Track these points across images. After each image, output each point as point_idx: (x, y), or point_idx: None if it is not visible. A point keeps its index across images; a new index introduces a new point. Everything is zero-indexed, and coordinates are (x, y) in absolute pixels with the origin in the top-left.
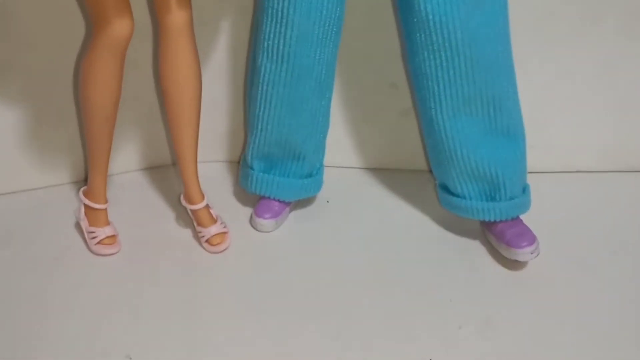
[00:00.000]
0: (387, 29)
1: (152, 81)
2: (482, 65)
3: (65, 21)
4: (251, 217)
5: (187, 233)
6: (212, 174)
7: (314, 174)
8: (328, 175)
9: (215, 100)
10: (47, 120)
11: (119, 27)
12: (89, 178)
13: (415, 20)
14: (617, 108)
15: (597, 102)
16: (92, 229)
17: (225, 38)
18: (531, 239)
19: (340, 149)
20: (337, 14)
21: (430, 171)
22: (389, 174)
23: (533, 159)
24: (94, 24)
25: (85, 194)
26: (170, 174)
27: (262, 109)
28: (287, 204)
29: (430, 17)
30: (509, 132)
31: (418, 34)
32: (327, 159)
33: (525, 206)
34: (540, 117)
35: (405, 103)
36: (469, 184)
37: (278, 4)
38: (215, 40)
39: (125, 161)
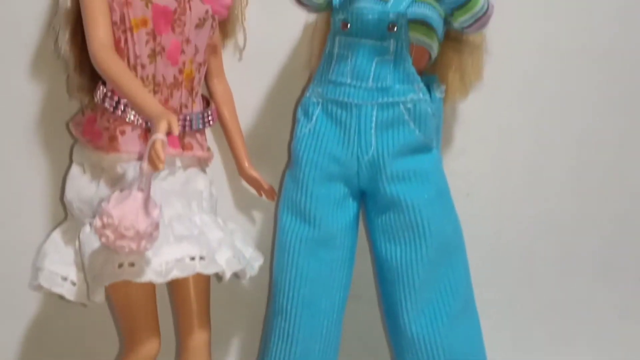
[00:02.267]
0: None
1: None
2: None
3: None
4: None
5: None
6: None
7: None
8: None
9: None
10: None
11: (147, 346)
12: None
13: (403, 341)
14: None
15: None
16: None
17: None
18: None
19: None
20: (336, 335)
21: None
22: None
23: None
24: (125, 340)
25: None
26: None
27: None
28: None
29: (416, 337)
30: None
31: (407, 354)
32: None
33: None
34: None
35: None
36: None
37: (285, 324)
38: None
39: None
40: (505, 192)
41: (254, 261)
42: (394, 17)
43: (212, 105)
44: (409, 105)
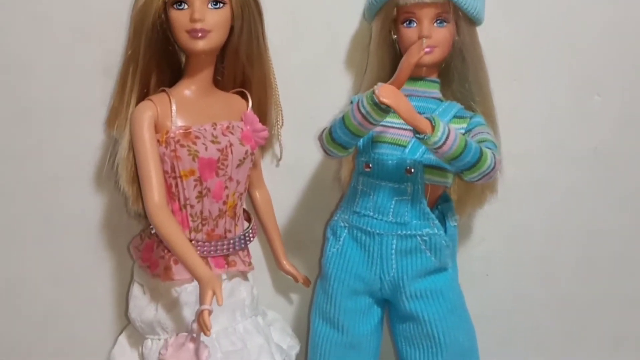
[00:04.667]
0: None
1: None
2: None
3: None
4: None
5: None
6: None
7: None
8: None
9: None
10: None
11: None
12: None
13: None
14: None
15: None
16: None
17: None
18: None
19: None
20: None
21: None
22: None
23: None
24: None
25: None
26: None
27: None
28: None
29: None
30: None
31: None
32: None
33: None
34: None
35: None
36: None
37: None
38: None
39: None
40: (520, 274)
41: (291, 350)
42: (411, 163)
43: (253, 221)
44: (425, 238)
